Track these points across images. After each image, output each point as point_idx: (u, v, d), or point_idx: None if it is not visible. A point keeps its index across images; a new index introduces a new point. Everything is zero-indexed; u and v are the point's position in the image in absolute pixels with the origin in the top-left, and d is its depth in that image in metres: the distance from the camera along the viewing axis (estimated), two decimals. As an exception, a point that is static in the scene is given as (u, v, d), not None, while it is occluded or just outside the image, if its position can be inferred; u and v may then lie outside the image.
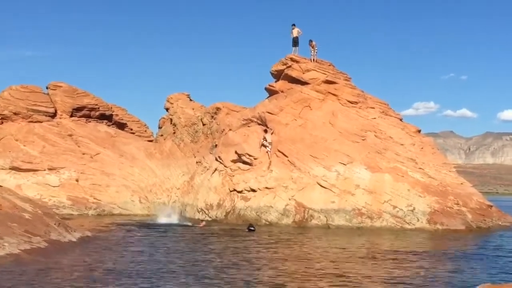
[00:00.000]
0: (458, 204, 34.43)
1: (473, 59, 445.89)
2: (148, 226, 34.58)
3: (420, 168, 36.24)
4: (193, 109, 55.47)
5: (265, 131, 39.27)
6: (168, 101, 59.65)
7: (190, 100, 60.24)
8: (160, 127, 60.03)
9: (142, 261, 19.07)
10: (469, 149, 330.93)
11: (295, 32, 42.06)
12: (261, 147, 38.85)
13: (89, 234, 25.77)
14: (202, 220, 36.28)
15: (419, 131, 40.41)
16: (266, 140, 38.53)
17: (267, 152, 38.47)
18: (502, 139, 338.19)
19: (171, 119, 56.63)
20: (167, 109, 59.68)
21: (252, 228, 31.77)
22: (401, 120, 40.79)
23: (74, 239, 23.25)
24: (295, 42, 42.25)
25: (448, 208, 34.11)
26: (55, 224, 23.67)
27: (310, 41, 41.69)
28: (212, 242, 26.01)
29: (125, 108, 65.13)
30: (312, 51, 41.56)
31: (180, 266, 18.21)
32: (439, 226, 33.29)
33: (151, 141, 58.98)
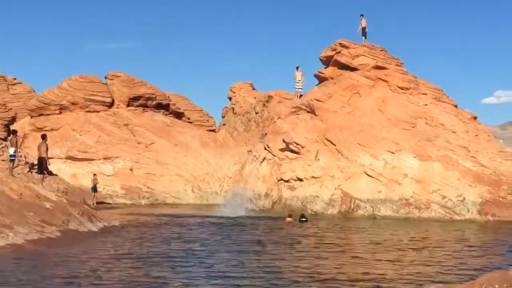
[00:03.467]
0: (512, 194, 32.55)
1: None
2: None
3: (472, 157, 34.44)
4: (255, 98, 54.90)
5: (297, 68, 42.34)
6: (231, 90, 59.44)
7: (253, 89, 59.76)
8: (223, 117, 59.84)
9: (144, 252, 18.43)
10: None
11: (363, 22, 40.86)
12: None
13: (116, 224, 25.47)
14: (290, 215, 31.37)
15: (475, 117, 38.48)
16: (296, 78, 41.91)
17: (297, 91, 42.45)
18: None
19: (233, 108, 56.33)
20: (230, 99, 59.42)
21: (303, 219, 30.66)
22: (455, 106, 38.94)
23: (95, 229, 22.95)
24: (364, 32, 41.06)
25: (500, 198, 32.28)
26: (78, 213, 23.46)
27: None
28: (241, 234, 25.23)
29: (188, 98, 65.32)
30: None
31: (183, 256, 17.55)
32: (490, 217, 31.56)
33: (213, 130, 58.76)
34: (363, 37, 40.99)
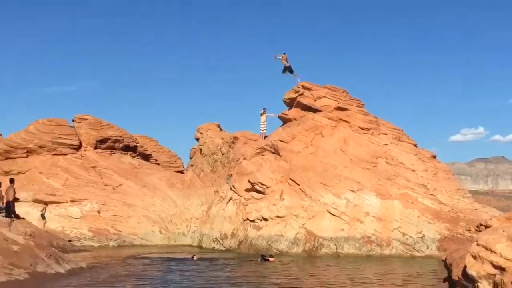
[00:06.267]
0: (469, 230, 33.58)
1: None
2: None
3: (431, 194, 35.61)
4: (222, 138, 55.52)
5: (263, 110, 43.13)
6: (198, 131, 59.92)
7: (221, 129, 60.41)
8: (191, 157, 60.30)
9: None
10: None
11: (284, 60, 42.64)
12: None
13: (83, 266, 25.89)
14: (271, 255, 32.28)
15: (434, 156, 39.77)
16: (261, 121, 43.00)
17: (262, 133, 43.37)
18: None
19: (200, 149, 56.83)
20: (197, 139, 59.93)
21: (265, 258, 31.33)
22: (415, 145, 40.21)
23: (62, 271, 23.41)
24: (289, 69, 42.70)
25: (458, 235, 33.37)
26: (46, 256, 23.91)
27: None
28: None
29: (156, 140, 65.93)
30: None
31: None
32: (449, 254, 32.50)
33: (181, 171, 59.29)
34: (290, 73, 42.78)
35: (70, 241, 40.71)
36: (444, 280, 8.99)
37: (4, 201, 28.75)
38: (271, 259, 31.28)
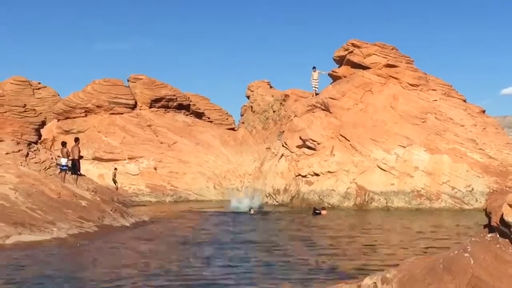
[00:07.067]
0: (519, 184, 34.27)
1: None
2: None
3: (480, 149, 36.22)
4: (272, 96, 56.54)
5: (314, 68, 44.64)
6: (249, 89, 60.94)
7: (271, 87, 61.35)
8: (242, 115, 61.55)
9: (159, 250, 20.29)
10: None
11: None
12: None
13: (146, 219, 27.45)
14: (323, 207, 33.44)
15: (483, 111, 40.19)
16: (313, 78, 44.37)
17: (314, 90, 44.82)
18: None
19: (251, 107, 57.97)
20: (248, 97, 61.01)
21: (317, 212, 32.53)
22: (464, 101, 40.66)
23: (127, 224, 24.97)
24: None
25: (507, 188, 33.93)
26: (111, 210, 25.51)
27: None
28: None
29: (207, 98, 67.44)
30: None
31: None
32: (497, 206, 33.23)
33: (232, 129, 60.68)
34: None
35: (131, 199, 43.05)
36: (485, 226, 9.98)
37: (70, 159, 30.33)
38: (323, 212, 32.40)
